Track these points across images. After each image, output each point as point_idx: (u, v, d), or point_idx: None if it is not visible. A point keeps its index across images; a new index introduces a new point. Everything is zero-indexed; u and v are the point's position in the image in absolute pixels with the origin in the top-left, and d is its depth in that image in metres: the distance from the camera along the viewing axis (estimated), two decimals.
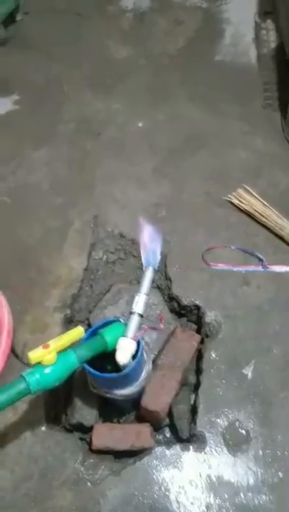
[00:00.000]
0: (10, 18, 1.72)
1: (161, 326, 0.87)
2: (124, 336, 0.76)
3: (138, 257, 1.07)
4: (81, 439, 0.91)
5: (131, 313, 0.78)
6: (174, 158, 1.35)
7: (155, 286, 1.09)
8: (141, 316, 0.79)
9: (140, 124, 1.45)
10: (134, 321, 0.78)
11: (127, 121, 1.46)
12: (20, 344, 1.00)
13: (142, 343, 0.80)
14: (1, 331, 0.96)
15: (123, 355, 0.75)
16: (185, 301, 1.06)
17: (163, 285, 1.10)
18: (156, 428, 0.93)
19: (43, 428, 0.90)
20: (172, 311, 1.07)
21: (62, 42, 1.72)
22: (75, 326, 0.85)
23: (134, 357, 0.77)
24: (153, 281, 0.87)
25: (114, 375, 0.77)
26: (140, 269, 0.92)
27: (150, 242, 0.82)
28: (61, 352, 0.72)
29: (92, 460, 0.87)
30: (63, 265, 1.14)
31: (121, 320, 0.79)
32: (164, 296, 1.08)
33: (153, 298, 1.04)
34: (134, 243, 1.15)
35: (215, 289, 1.07)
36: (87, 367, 0.76)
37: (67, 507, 0.83)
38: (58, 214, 1.23)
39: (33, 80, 1.59)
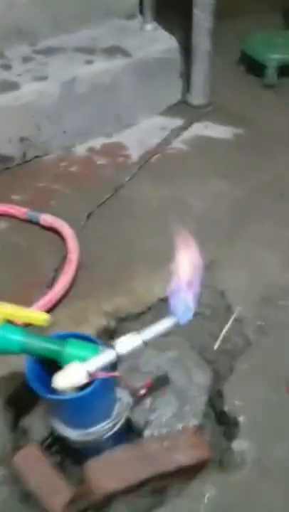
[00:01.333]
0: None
1: (142, 391, 0.66)
2: (83, 361, 0.60)
3: None
4: None
5: (110, 346, 0.62)
6: None
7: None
8: (118, 359, 0.61)
9: None
10: (105, 357, 0.61)
11: None
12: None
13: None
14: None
15: (63, 378, 0.60)
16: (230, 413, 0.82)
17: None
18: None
19: None
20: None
21: None
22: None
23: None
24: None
25: (54, 396, 0.62)
26: None
27: (187, 291, 0.64)
28: (7, 325, 0.61)
29: None
30: (147, 284, 1.03)
31: (101, 348, 0.64)
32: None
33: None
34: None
35: (280, 419, 0.79)
36: (28, 373, 0.62)
37: None
38: None
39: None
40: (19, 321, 0.63)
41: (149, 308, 0.99)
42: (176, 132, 1.44)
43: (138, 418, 0.82)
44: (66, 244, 1.05)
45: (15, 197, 1.22)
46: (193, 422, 0.83)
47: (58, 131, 1.35)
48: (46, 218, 1.12)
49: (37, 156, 1.35)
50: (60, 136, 1.36)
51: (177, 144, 1.41)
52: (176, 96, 1.52)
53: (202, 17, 1.36)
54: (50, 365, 0.63)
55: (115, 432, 0.70)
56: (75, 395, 0.60)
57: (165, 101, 1.50)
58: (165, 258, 1.04)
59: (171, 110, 1.51)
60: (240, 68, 1.71)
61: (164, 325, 0.64)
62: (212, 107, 1.52)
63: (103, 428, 0.67)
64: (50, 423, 0.71)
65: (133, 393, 0.67)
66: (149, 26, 1.47)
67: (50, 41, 1.40)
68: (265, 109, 1.54)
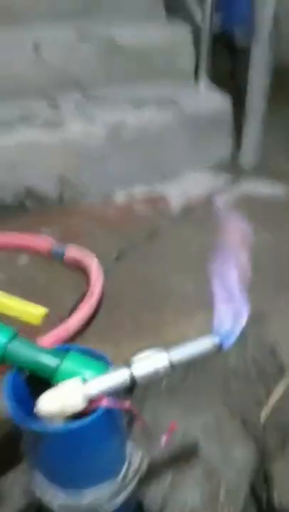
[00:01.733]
0: None
1: (164, 440, 0.46)
2: (83, 380, 0.43)
3: None
4: None
5: (126, 364, 0.44)
6: None
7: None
8: (133, 383, 0.43)
9: None
10: (115, 378, 0.43)
11: None
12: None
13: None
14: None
15: (51, 400, 0.42)
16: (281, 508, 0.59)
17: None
18: None
19: None
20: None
21: None
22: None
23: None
24: None
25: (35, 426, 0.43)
26: None
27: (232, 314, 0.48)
28: None
29: None
30: (176, 332, 0.85)
31: (110, 366, 0.46)
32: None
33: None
34: None
35: None
36: (7, 388, 0.45)
37: None
38: None
39: None
40: (11, 312, 0.47)
41: None
42: (223, 187, 1.34)
43: (152, 498, 0.60)
44: (90, 276, 0.91)
45: (44, 229, 1.12)
46: None
47: (99, 176, 1.28)
48: (72, 250, 0.99)
49: (74, 199, 1.28)
50: (101, 181, 1.29)
51: (223, 197, 1.30)
52: (225, 155, 1.45)
53: (257, 78, 1.34)
54: (43, 387, 0.46)
55: (120, 507, 0.49)
56: (65, 425, 0.41)
57: (213, 159, 1.44)
58: (199, 306, 0.88)
59: (219, 168, 1.44)
60: None
61: (201, 345, 0.46)
62: (263, 168, 1.44)
63: (102, 493, 0.47)
64: (31, 483, 0.51)
65: (149, 440, 0.47)
66: (204, 86, 1.46)
67: (102, 93, 1.40)
68: None
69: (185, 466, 0.64)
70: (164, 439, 0.45)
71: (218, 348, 0.46)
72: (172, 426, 0.45)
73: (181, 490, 0.61)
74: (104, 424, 0.43)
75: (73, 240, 1.07)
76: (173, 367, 0.44)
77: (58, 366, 0.45)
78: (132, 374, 0.43)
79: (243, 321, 0.49)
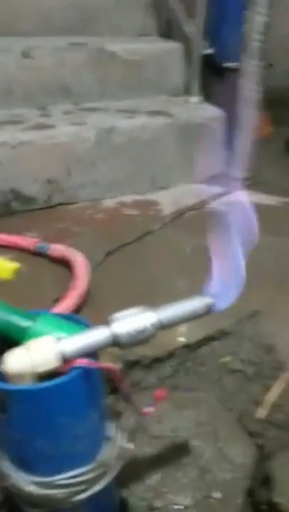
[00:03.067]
0: None
1: (151, 409, 0.40)
2: (58, 337, 0.37)
3: None
4: None
5: (108, 322, 0.39)
6: None
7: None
8: (116, 342, 0.38)
9: None
10: (94, 336, 0.38)
11: None
12: None
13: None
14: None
15: (20, 357, 0.36)
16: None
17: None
18: None
19: None
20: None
21: None
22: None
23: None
24: None
25: None
26: None
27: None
28: None
29: None
30: None
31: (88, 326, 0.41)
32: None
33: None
34: None
35: None
36: None
37: None
38: None
39: None
40: None
41: (170, 355, 0.74)
42: (216, 196, 1.32)
43: (139, 498, 0.53)
44: (74, 270, 0.86)
45: (31, 233, 1.07)
46: None
47: (88, 180, 1.26)
48: (56, 247, 0.95)
49: (62, 204, 1.24)
50: (90, 186, 1.26)
51: (216, 205, 1.28)
52: (217, 167, 1.44)
53: (249, 88, 1.34)
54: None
55: (96, 497, 0.42)
56: (34, 385, 0.36)
57: (205, 170, 1.42)
58: None
59: (212, 180, 1.42)
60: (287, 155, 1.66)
61: (192, 304, 0.41)
62: (256, 181, 1.42)
63: (78, 479, 0.40)
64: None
65: (136, 411, 0.41)
66: (195, 99, 1.47)
67: (94, 104, 1.40)
68: None
69: (176, 464, 0.57)
70: (150, 409, 0.40)
71: (211, 309, 0.41)
72: (159, 394, 0.39)
73: (172, 490, 0.54)
74: (81, 389, 0.37)
75: (60, 242, 1.03)
76: (161, 325, 0.39)
77: (30, 327, 0.40)
78: (114, 331, 0.38)
79: (241, 282, 0.44)
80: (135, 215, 1.21)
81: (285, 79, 2.26)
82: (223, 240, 0.48)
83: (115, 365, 0.37)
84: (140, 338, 0.39)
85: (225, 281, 0.43)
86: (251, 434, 0.64)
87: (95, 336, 0.38)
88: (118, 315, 0.39)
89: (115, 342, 0.38)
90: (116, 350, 0.69)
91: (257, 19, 1.24)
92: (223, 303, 0.42)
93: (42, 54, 1.32)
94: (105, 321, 0.39)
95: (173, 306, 0.41)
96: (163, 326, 0.39)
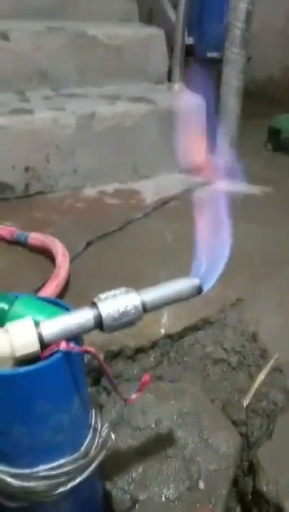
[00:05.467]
0: None
1: (133, 396, 0.38)
2: (36, 322, 0.35)
3: None
4: None
5: (90, 305, 0.37)
6: None
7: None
8: (98, 324, 0.36)
9: None
10: (75, 319, 0.36)
11: None
12: None
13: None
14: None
15: None
16: (269, 497, 0.51)
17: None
18: None
19: None
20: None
21: None
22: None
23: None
24: None
25: None
26: None
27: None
28: None
29: None
30: (151, 316, 0.77)
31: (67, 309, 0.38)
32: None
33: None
34: None
35: None
36: None
37: None
38: None
39: None
40: None
41: (153, 345, 0.72)
42: (198, 185, 1.30)
43: (122, 490, 0.51)
44: (55, 258, 0.83)
45: (8, 222, 1.04)
46: (211, 509, 0.51)
47: (68, 168, 1.22)
48: (36, 236, 0.92)
49: (40, 193, 1.21)
50: (70, 175, 1.23)
51: (199, 194, 1.26)
52: (199, 156, 1.42)
53: (231, 76, 1.33)
54: None
55: (79, 490, 0.40)
56: (12, 370, 0.33)
57: (188, 159, 1.40)
58: None
59: (194, 169, 1.40)
60: (268, 146, 1.65)
61: (178, 286, 0.39)
62: (238, 171, 1.41)
63: (59, 471, 0.38)
64: None
65: (120, 398, 0.38)
66: (177, 87, 1.45)
67: (74, 89, 1.36)
68: None
69: (160, 456, 0.55)
70: (134, 395, 0.38)
71: (198, 291, 0.40)
72: (144, 379, 0.37)
73: (155, 481, 0.53)
74: (62, 375, 0.35)
75: (39, 231, 0.99)
76: (145, 307, 0.37)
77: (8, 309, 0.38)
78: (96, 313, 0.36)
79: (224, 260, 0.43)
80: (116, 205, 1.18)
81: (264, 72, 2.27)
82: (207, 228, 0.46)
83: (93, 349, 0.35)
84: (124, 321, 0.37)
85: (209, 265, 0.42)
86: (235, 423, 0.63)
87: (76, 318, 0.36)
88: (101, 296, 0.37)
89: (98, 325, 0.36)
90: (98, 339, 0.68)
91: (240, 6, 1.22)
92: (208, 284, 0.41)
93: (19, 37, 1.28)
94: (87, 303, 0.37)
95: (158, 288, 0.39)
96: (148, 309, 0.37)
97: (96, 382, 0.68)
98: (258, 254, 0.98)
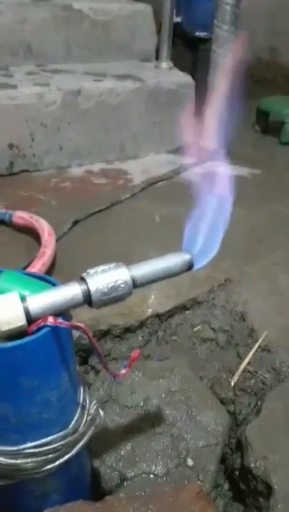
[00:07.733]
0: None
1: (123, 371, 0.37)
2: (22, 297, 0.34)
3: None
4: None
5: (81, 277, 0.36)
6: None
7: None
8: (87, 299, 0.35)
9: None
10: (63, 293, 0.34)
11: None
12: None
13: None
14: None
15: None
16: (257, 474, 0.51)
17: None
18: None
19: None
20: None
21: None
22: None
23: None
24: None
25: None
26: None
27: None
28: None
29: None
30: (139, 295, 0.77)
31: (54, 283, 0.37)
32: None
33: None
34: None
35: None
36: None
37: None
38: None
39: None
40: None
41: (142, 325, 0.72)
42: (187, 166, 1.28)
43: (110, 468, 0.51)
44: (41, 237, 0.81)
45: None
46: (199, 485, 0.51)
47: (53, 146, 1.19)
48: (21, 215, 0.90)
49: (25, 171, 1.18)
50: (56, 152, 1.20)
51: (187, 175, 1.25)
52: (187, 136, 1.40)
53: (220, 53, 1.30)
54: None
55: (67, 467, 0.39)
56: None
57: (176, 139, 1.38)
58: None
59: (182, 149, 1.38)
60: (256, 128, 1.64)
61: (169, 260, 0.38)
62: (226, 152, 1.40)
63: (47, 448, 0.37)
64: None
65: (104, 365, 0.38)
66: (165, 65, 1.42)
67: (59, 65, 1.32)
68: (280, 157, 1.45)
69: (148, 433, 0.55)
70: (124, 371, 0.37)
71: (189, 266, 0.39)
72: (134, 354, 0.37)
73: (144, 458, 0.52)
74: (49, 351, 0.34)
75: (25, 210, 0.97)
76: (135, 282, 0.36)
77: None
78: (85, 288, 0.35)
79: (220, 238, 0.42)
80: (103, 184, 1.16)
81: (252, 53, 2.24)
82: (196, 209, 0.46)
83: (81, 324, 0.34)
84: (113, 296, 0.35)
85: (200, 244, 0.41)
86: (223, 401, 0.63)
87: (64, 292, 0.34)
88: (90, 271, 0.36)
89: (86, 300, 0.35)
90: (86, 319, 0.67)
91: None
92: (201, 262, 0.40)
93: (2, 9, 1.23)
94: (75, 278, 0.36)
95: (148, 263, 0.38)
96: (138, 284, 0.36)
97: (84, 361, 0.67)
98: (246, 236, 0.97)
